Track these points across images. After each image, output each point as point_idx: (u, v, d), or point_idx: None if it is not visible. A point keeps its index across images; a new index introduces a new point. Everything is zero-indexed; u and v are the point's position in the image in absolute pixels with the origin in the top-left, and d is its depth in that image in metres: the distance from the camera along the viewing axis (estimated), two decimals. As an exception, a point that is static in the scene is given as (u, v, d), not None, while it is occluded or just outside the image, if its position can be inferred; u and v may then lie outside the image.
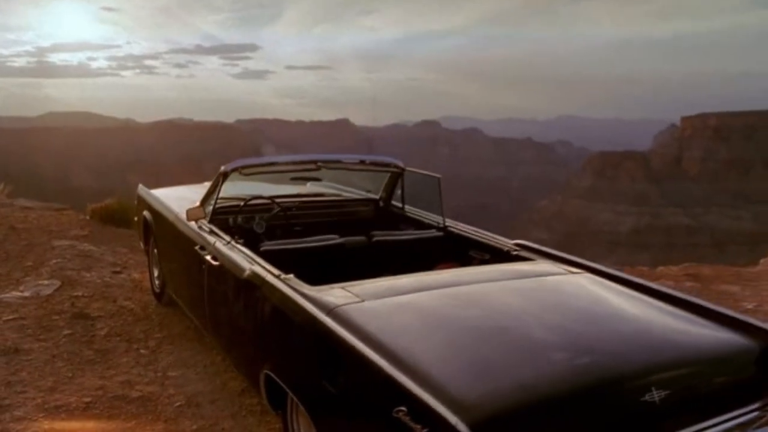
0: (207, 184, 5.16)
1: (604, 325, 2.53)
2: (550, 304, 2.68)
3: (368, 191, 4.77)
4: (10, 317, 4.56)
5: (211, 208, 3.88)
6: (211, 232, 3.68)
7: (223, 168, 3.86)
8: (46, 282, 5.32)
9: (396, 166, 4.36)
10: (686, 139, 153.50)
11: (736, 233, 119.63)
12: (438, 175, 4.14)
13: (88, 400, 3.48)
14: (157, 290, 4.99)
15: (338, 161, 4.33)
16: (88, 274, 5.60)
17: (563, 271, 3.07)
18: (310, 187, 4.72)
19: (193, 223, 3.85)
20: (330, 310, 2.41)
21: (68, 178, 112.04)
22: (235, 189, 4.09)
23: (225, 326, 3.43)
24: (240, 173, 3.88)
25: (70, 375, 3.78)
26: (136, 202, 5.38)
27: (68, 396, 3.51)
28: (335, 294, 2.58)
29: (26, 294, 5.05)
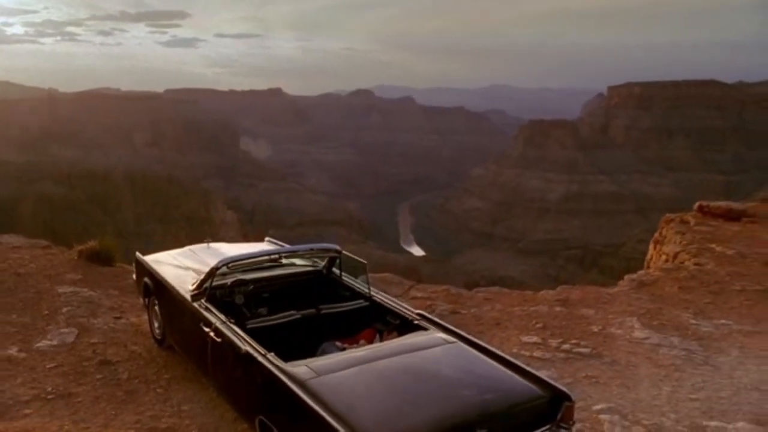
0: (190, 248, 6.91)
1: (455, 384, 4.33)
2: (430, 370, 4.50)
3: (315, 261, 6.52)
4: (52, 365, 6.15)
5: (207, 287, 5.56)
6: (208, 309, 5.37)
7: (214, 264, 5.53)
8: (66, 330, 6.89)
9: (335, 251, 6.12)
10: (612, 108, 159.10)
11: (658, 199, 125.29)
12: (364, 261, 5.95)
13: (132, 432, 5.17)
14: (158, 337, 6.63)
15: (295, 251, 6.14)
16: (95, 321, 7.19)
17: (442, 342, 4.90)
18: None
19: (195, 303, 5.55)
20: (301, 383, 4.18)
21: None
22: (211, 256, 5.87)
23: (227, 382, 5.15)
24: (228, 268, 5.60)
25: (114, 413, 5.43)
26: (134, 265, 7.00)
27: (118, 429, 5.18)
28: (302, 370, 4.34)
29: (54, 342, 6.63)
